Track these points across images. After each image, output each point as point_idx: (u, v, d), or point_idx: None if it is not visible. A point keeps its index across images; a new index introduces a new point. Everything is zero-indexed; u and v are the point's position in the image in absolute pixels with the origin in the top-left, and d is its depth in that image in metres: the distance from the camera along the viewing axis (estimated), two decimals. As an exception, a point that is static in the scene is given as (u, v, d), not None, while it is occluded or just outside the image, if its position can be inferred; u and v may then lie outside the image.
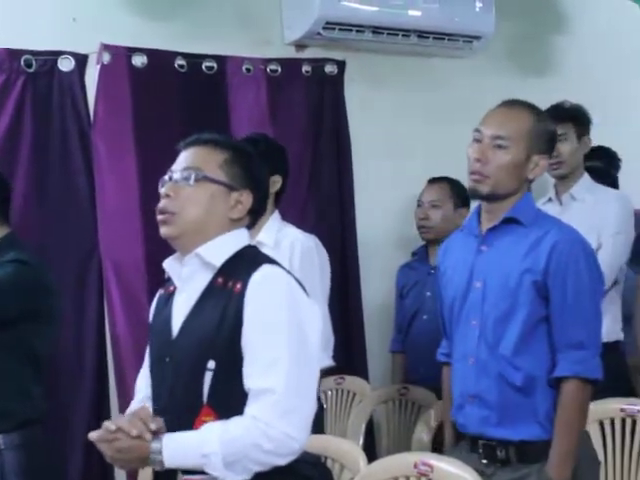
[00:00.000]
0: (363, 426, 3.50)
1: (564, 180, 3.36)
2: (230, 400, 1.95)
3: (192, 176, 2.06)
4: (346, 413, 3.74)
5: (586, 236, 3.18)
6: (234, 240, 2.09)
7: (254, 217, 2.15)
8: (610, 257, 3.23)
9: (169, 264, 2.13)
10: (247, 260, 2.05)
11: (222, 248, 2.07)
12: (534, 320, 2.40)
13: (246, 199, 2.10)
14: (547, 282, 2.39)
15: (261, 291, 1.97)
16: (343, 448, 2.48)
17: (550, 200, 3.46)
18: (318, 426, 3.11)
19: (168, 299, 2.15)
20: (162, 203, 2.07)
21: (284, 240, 3.14)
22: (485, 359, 2.44)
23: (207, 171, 2.07)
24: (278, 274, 2.02)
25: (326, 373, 3.29)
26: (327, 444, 2.50)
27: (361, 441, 3.43)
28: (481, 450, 2.46)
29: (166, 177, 2.11)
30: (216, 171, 2.08)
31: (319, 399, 3.26)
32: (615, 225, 3.26)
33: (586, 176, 3.41)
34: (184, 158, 2.11)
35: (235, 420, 1.91)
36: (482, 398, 2.45)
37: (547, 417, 2.41)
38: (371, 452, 3.63)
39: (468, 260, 2.51)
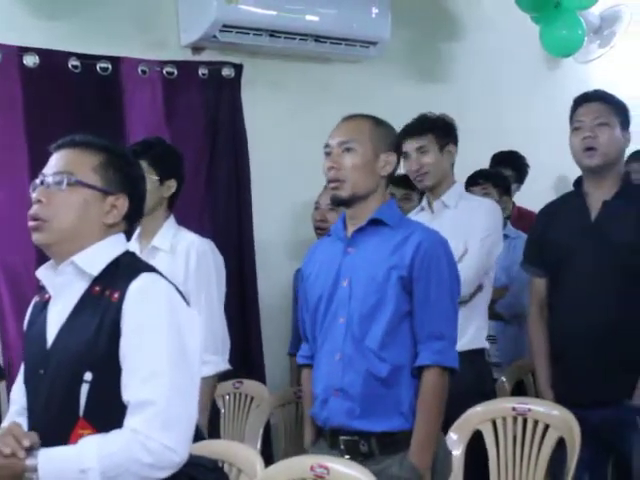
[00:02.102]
0: (261, 430, 3.49)
1: (435, 190, 3.41)
2: (108, 412, 1.89)
3: (64, 181, 1.98)
4: (244, 417, 3.72)
5: (455, 242, 3.26)
6: (111, 247, 2.03)
7: (131, 222, 2.09)
8: (475, 261, 3.27)
9: (43, 272, 2.05)
10: (125, 268, 1.99)
11: (98, 256, 2.00)
12: (400, 314, 2.53)
13: (122, 204, 2.04)
14: (412, 277, 2.52)
15: (139, 300, 1.91)
16: (240, 452, 2.46)
17: (422, 209, 3.51)
18: (215, 431, 3.12)
19: (43, 308, 2.08)
20: (33, 209, 2.00)
21: (180, 245, 3.12)
22: (351, 354, 2.54)
23: (80, 175, 2.00)
24: (157, 283, 1.97)
25: (224, 377, 3.28)
26: (224, 449, 2.48)
27: (259, 445, 3.42)
28: (342, 446, 2.54)
29: (37, 181, 2.03)
30: (89, 175, 2.01)
31: (216, 404, 3.27)
32: (481, 231, 3.32)
33: (457, 184, 3.47)
34: (56, 161, 2.04)
35: (114, 434, 1.85)
36: (347, 391, 2.54)
37: (410, 407, 2.52)
38: (269, 456, 3.64)
39: (335, 262, 2.62)
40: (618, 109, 3.06)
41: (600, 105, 3.05)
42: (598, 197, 3.05)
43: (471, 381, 3.18)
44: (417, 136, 3.37)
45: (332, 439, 2.58)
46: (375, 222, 2.60)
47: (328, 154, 2.62)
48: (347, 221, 2.66)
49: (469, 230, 3.32)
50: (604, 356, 2.95)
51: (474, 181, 4.18)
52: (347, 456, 2.51)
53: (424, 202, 3.52)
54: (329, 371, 2.58)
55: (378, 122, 2.67)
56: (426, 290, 2.53)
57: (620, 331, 2.94)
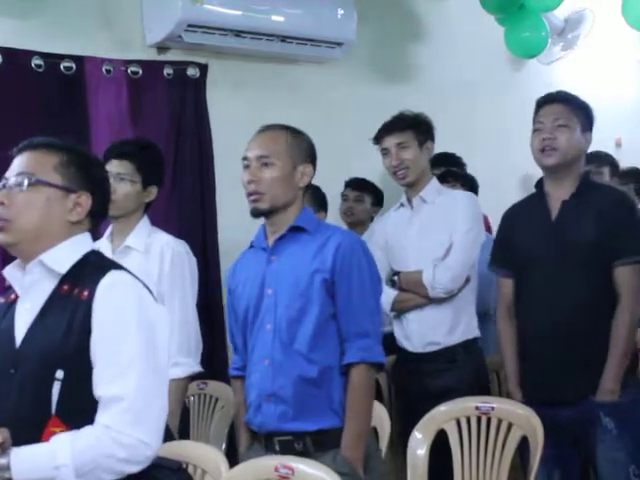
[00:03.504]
0: (226, 431, 3.48)
1: (414, 186, 3.45)
2: (80, 410, 1.90)
3: (25, 181, 2.01)
4: (209, 418, 3.71)
5: (438, 236, 3.33)
6: (77, 246, 2.05)
7: (96, 219, 2.12)
8: (461, 255, 3.34)
9: (9, 272, 2.07)
10: (93, 266, 2.01)
11: (66, 254, 2.02)
12: (325, 316, 2.57)
13: (85, 201, 2.06)
14: (334, 279, 2.57)
15: (109, 298, 1.94)
16: (205, 453, 2.46)
17: (402, 205, 3.54)
18: (184, 432, 3.11)
19: (9, 308, 2.08)
20: None
21: (154, 245, 3.12)
22: (280, 358, 2.58)
23: (41, 175, 2.02)
24: (126, 280, 2.00)
25: (193, 377, 3.27)
26: (188, 450, 2.47)
27: (224, 446, 3.41)
28: (278, 447, 2.57)
29: (0, 184, 2.05)
30: (51, 174, 2.03)
31: (186, 405, 3.26)
32: (464, 224, 3.38)
33: (434, 180, 3.52)
34: (17, 164, 2.06)
35: (86, 430, 1.87)
36: (279, 395, 2.57)
37: (341, 405, 2.56)
38: (235, 457, 3.64)
39: (259, 272, 2.66)
40: (580, 110, 3.09)
41: (561, 107, 3.08)
42: (558, 197, 3.08)
43: (466, 372, 3.31)
44: (397, 132, 3.42)
45: (267, 441, 2.62)
46: (294, 229, 2.65)
47: (247, 167, 2.65)
48: (267, 231, 2.71)
49: (452, 224, 3.38)
50: (567, 354, 2.98)
51: (444, 179, 4.19)
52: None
53: (403, 198, 3.56)
54: (260, 377, 2.62)
55: (295, 134, 2.71)
56: (348, 289, 2.58)
57: (581, 329, 2.97)
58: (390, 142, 3.43)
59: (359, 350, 2.56)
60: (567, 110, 3.06)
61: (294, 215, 2.66)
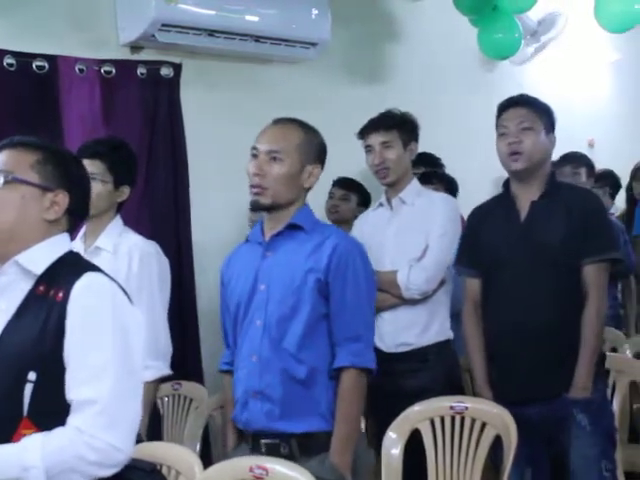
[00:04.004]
0: (200, 432, 3.47)
1: (394, 186, 3.45)
2: (52, 412, 1.88)
3: (1, 179, 1.98)
4: (183, 419, 3.70)
5: (416, 238, 3.33)
6: (54, 246, 2.02)
7: (74, 219, 2.09)
8: (437, 257, 3.34)
9: None
10: (69, 268, 1.99)
11: (42, 255, 2.00)
12: (316, 316, 2.56)
13: (62, 199, 2.03)
14: (328, 280, 2.56)
15: (84, 300, 1.91)
16: (179, 454, 2.45)
17: (381, 205, 3.54)
18: (156, 433, 3.09)
19: None
20: None
21: (123, 246, 3.09)
22: (268, 355, 2.56)
23: (17, 172, 1.99)
24: (101, 282, 1.97)
25: (162, 379, 3.25)
26: (163, 451, 2.46)
27: (198, 447, 3.40)
28: (264, 449, 2.56)
29: None
30: (27, 172, 2.00)
31: (156, 406, 3.24)
32: (441, 226, 3.38)
33: (415, 181, 3.52)
34: None
35: (58, 431, 1.85)
36: (266, 393, 2.56)
37: (328, 409, 2.55)
38: (209, 458, 3.63)
39: (253, 266, 2.65)
40: (542, 113, 3.11)
41: (524, 110, 3.09)
42: (526, 198, 3.10)
43: (438, 373, 3.30)
44: (383, 131, 3.41)
45: (254, 442, 2.61)
46: (292, 227, 2.64)
47: (254, 156, 2.62)
48: (265, 225, 2.69)
49: (429, 226, 3.37)
50: (538, 353, 2.99)
51: (427, 180, 4.21)
52: None
53: (383, 198, 3.55)
54: (247, 373, 2.61)
55: (308, 132, 2.68)
56: (342, 293, 2.57)
57: (552, 328, 2.98)
58: (375, 140, 3.41)
59: (350, 354, 2.55)
60: (531, 113, 3.08)
61: (294, 213, 2.64)
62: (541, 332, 2.99)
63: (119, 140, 3.32)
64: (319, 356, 2.57)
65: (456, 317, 3.68)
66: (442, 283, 3.41)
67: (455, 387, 3.33)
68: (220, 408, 3.65)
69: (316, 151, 2.67)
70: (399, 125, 3.42)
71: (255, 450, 2.59)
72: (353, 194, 4.53)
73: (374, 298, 2.69)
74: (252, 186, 2.61)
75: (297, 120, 2.69)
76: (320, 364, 2.56)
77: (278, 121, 2.69)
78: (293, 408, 2.55)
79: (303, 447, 2.54)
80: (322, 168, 2.69)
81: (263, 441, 2.57)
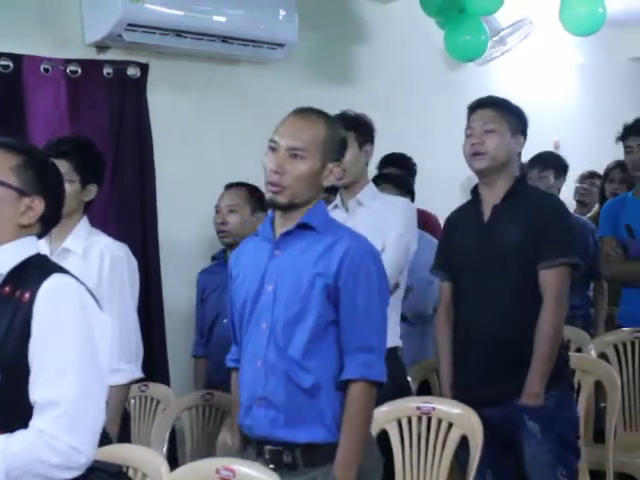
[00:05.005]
0: (167, 434, 3.46)
1: (350, 188, 3.44)
2: (16, 414, 1.87)
3: None
4: (150, 420, 3.69)
5: (372, 240, 3.28)
6: (22, 248, 2.02)
7: (46, 225, 2.09)
8: (393, 260, 3.30)
9: None
10: (36, 269, 1.98)
11: (9, 255, 1.99)
12: (324, 323, 2.42)
13: (37, 206, 2.03)
14: (338, 286, 2.42)
15: (50, 301, 1.91)
16: (145, 456, 2.43)
17: (336, 207, 3.53)
18: (124, 435, 3.07)
19: None
20: None
21: (93, 248, 3.06)
22: (274, 361, 2.44)
23: None
24: (68, 284, 1.97)
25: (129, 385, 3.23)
26: (129, 453, 2.45)
27: (165, 449, 3.39)
28: (267, 455, 2.46)
29: None
30: (7, 174, 2.00)
31: (127, 410, 3.22)
32: (398, 229, 3.37)
33: (371, 183, 3.52)
34: None
35: (19, 434, 1.84)
36: (270, 400, 2.45)
37: (334, 420, 2.42)
38: (176, 459, 3.62)
39: (261, 264, 2.51)
40: (510, 115, 3.13)
41: (491, 112, 3.11)
42: (490, 201, 3.12)
43: (390, 379, 3.21)
44: None
45: (258, 448, 2.50)
46: (303, 226, 2.48)
47: (273, 150, 2.44)
48: (276, 222, 2.52)
49: (385, 229, 3.35)
50: (493, 356, 3.01)
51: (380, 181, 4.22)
52: (272, 465, 2.43)
53: (337, 200, 3.53)
54: (252, 378, 2.50)
55: (333, 127, 2.52)
56: (353, 300, 2.42)
57: (508, 331, 3.00)
58: None
59: (360, 366, 2.41)
60: (497, 115, 3.10)
61: (307, 210, 2.48)
62: (497, 335, 3.00)
63: (84, 138, 3.28)
64: (326, 365, 2.43)
65: (421, 319, 3.69)
66: (396, 287, 3.39)
67: (404, 392, 3.28)
68: (187, 409, 3.66)
69: (339, 148, 2.52)
70: (355, 127, 3.39)
71: (260, 456, 2.48)
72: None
73: (387, 307, 2.53)
74: (270, 183, 2.43)
75: (321, 112, 2.52)
76: (326, 373, 2.43)
77: (301, 111, 2.51)
78: (297, 417, 2.42)
79: (307, 457, 2.43)
80: (341, 165, 2.55)
81: (267, 447, 2.47)
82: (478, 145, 3.07)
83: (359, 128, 3.43)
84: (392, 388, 3.20)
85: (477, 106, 3.16)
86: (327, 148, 2.46)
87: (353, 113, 3.48)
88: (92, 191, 3.12)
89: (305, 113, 2.51)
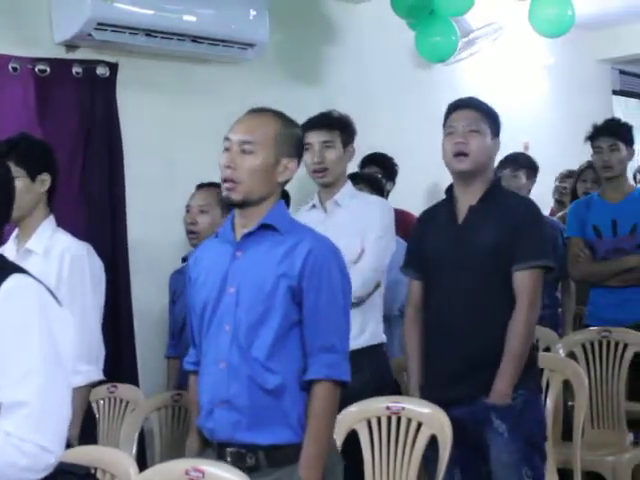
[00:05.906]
0: (136, 435, 3.44)
1: (329, 187, 3.45)
2: None
3: None
4: (119, 422, 3.66)
5: (351, 241, 3.31)
6: None
7: None
8: (373, 260, 3.35)
9: None
10: None
11: None
12: (288, 324, 2.42)
13: None
14: (302, 286, 2.42)
15: (10, 302, 1.89)
16: (113, 458, 2.42)
17: (314, 207, 3.53)
18: (90, 437, 3.05)
19: None
20: None
21: (54, 248, 3.02)
22: (236, 363, 2.43)
23: None
24: (28, 284, 1.95)
25: (97, 382, 3.22)
26: (97, 454, 2.43)
27: (134, 450, 3.37)
28: (229, 458, 2.44)
29: None
30: None
31: (91, 409, 3.20)
32: (377, 230, 3.39)
33: (349, 183, 3.53)
34: None
35: None
36: (232, 402, 2.43)
37: (298, 420, 2.42)
38: (145, 460, 3.60)
39: (222, 266, 2.50)
40: (489, 117, 3.14)
41: (472, 112, 3.12)
42: (466, 202, 3.13)
43: (369, 376, 3.25)
44: (325, 130, 3.39)
45: (219, 451, 2.48)
46: (265, 227, 2.48)
47: (227, 149, 2.46)
48: (236, 222, 2.52)
49: (365, 229, 3.36)
50: (461, 355, 3.02)
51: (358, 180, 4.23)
52: None
53: (315, 200, 3.53)
54: (214, 381, 2.48)
55: (286, 124, 2.53)
56: (316, 301, 2.42)
57: (476, 330, 3.01)
58: (315, 138, 3.38)
59: (324, 366, 2.41)
60: (478, 116, 3.11)
61: (267, 210, 2.48)
62: (465, 333, 3.02)
63: (17, 135, 3.17)
64: (290, 365, 2.42)
65: (386, 319, 3.71)
66: (377, 286, 3.42)
67: (388, 389, 3.31)
68: (157, 410, 3.64)
69: (293, 144, 2.52)
70: (341, 126, 3.43)
71: (220, 458, 2.45)
72: None
73: (349, 307, 2.54)
74: (223, 180, 2.45)
75: (274, 110, 2.55)
76: (291, 374, 2.42)
77: (254, 110, 2.54)
78: (261, 419, 2.41)
79: (270, 459, 2.41)
80: (299, 163, 2.56)
81: (229, 450, 2.45)
82: (462, 145, 3.06)
83: (345, 128, 3.44)
84: (377, 383, 3.27)
85: (458, 106, 3.16)
86: (280, 143, 2.47)
87: (338, 113, 3.49)
88: (45, 180, 3.04)
89: (258, 111, 2.55)
